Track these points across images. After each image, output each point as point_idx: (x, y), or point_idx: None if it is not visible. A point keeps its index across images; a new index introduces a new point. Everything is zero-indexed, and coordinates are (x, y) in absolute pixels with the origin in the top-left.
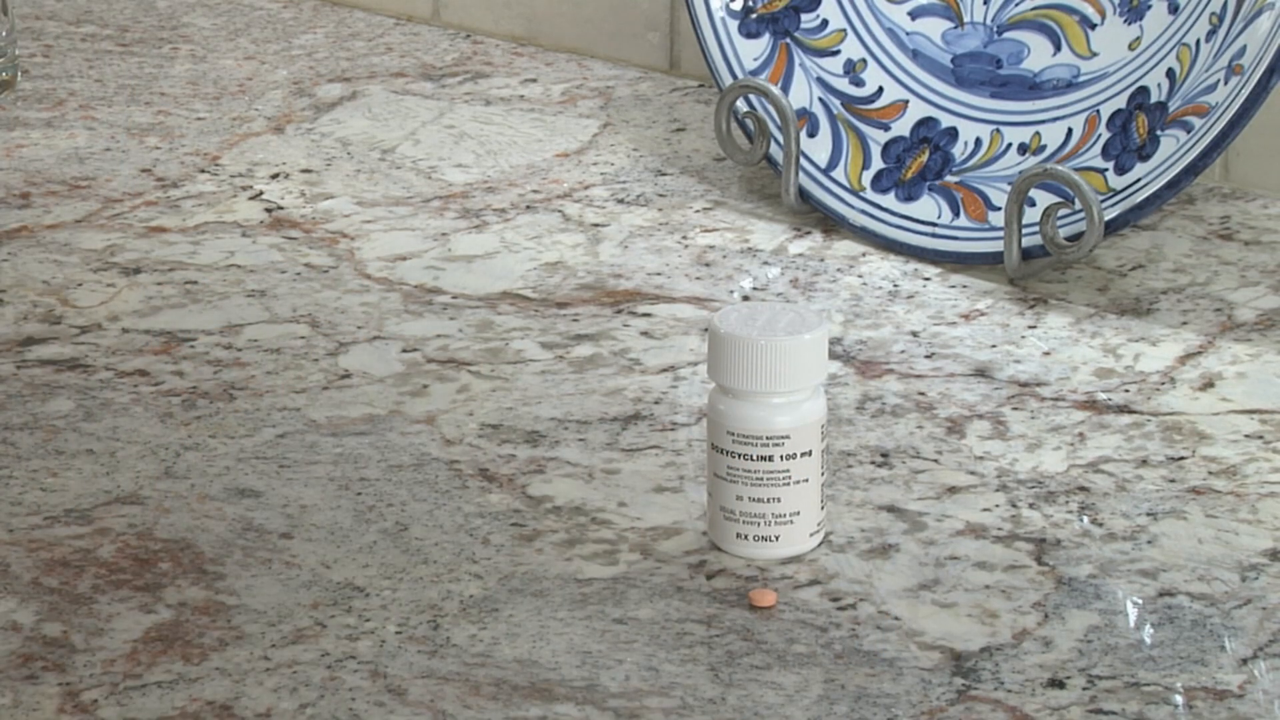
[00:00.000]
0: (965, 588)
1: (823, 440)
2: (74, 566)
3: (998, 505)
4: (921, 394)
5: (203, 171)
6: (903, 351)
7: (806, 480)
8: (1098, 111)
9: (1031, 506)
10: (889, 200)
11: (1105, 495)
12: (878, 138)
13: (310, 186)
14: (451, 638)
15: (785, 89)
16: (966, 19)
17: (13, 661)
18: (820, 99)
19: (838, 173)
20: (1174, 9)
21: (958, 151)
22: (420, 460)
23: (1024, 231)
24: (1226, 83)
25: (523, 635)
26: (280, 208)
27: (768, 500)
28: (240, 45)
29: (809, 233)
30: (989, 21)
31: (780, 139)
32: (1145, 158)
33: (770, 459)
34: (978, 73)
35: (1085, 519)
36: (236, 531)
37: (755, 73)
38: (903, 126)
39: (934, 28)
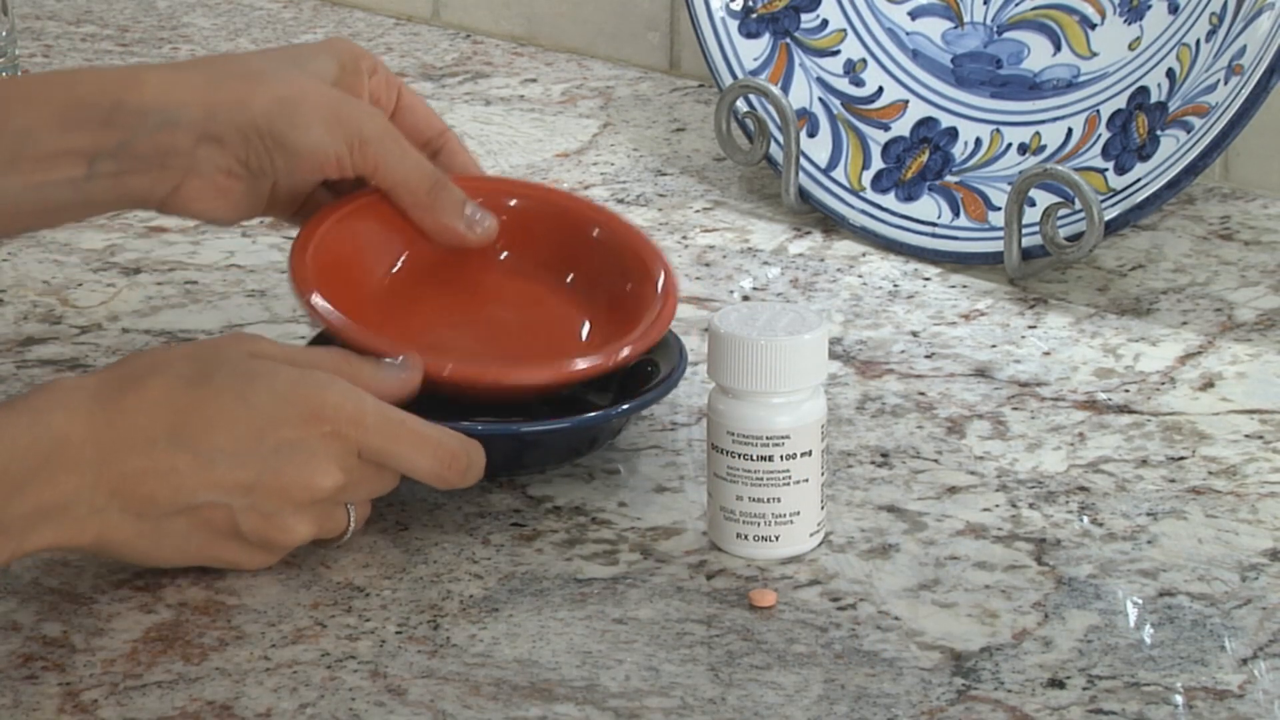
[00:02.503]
0: (965, 588)
1: (823, 440)
2: (74, 566)
3: (998, 505)
4: (921, 394)
5: None
6: (903, 351)
7: (806, 480)
8: (1098, 111)
9: (1031, 506)
10: (889, 200)
11: (1105, 495)
12: (878, 138)
13: None
14: (451, 638)
15: (785, 89)
16: (966, 19)
17: (13, 661)
18: (820, 99)
19: (838, 173)
20: (1174, 9)
21: (958, 151)
22: None
23: (1024, 231)
24: (1226, 83)
25: (523, 635)
26: None
27: (768, 500)
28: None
29: (809, 233)
30: (989, 21)
31: (780, 139)
32: (1145, 158)
33: (770, 459)
34: (978, 73)
35: (1085, 519)
36: None
37: (755, 73)
38: (903, 126)
39: (934, 28)
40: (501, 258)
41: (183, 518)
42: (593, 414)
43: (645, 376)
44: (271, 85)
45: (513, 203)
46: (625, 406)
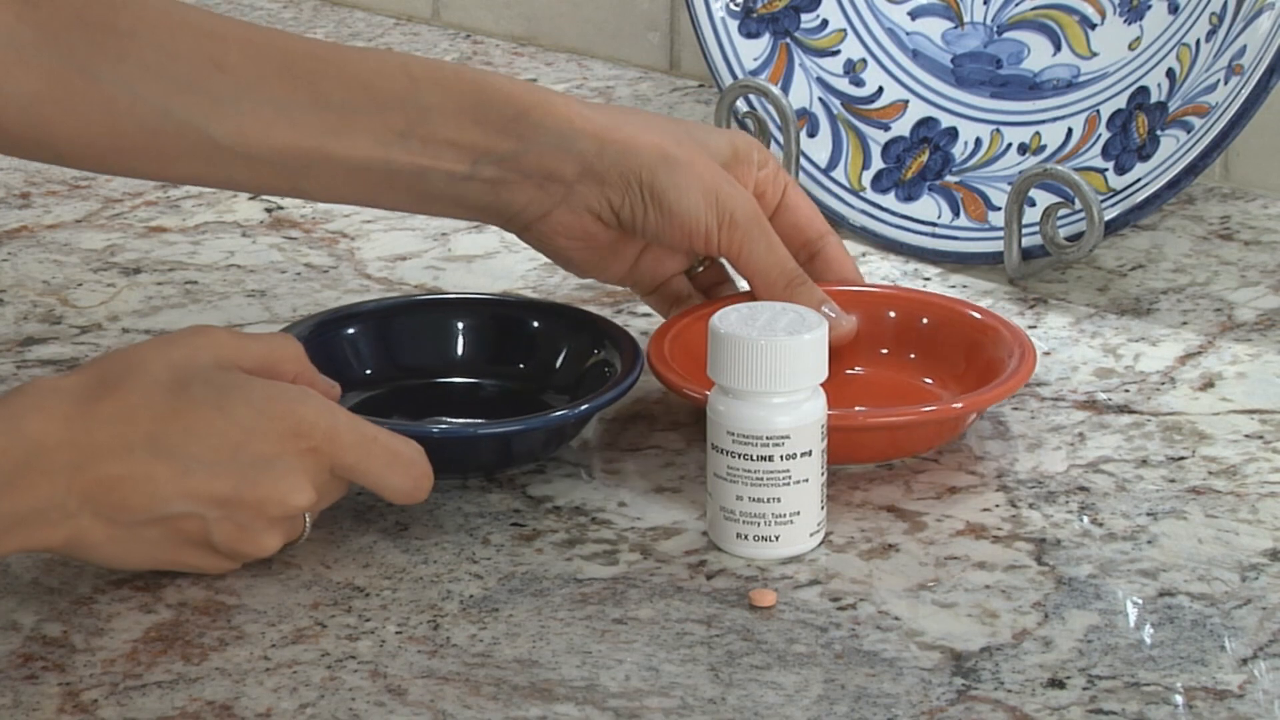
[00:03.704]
0: (965, 588)
1: (823, 440)
2: (74, 566)
3: (998, 505)
4: None
5: None
6: None
7: (806, 480)
8: (1098, 111)
9: (1031, 506)
10: (889, 200)
11: (1105, 495)
12: (878, 138)
13: None
14: (451, 638)
15: (785, 89)
16: (966, 19)
17: (13, 661)
18: (820, 99)
19: (838, 173)
20: (1174, 9)
21: (958, 151)
22: None
23: (1024, 231)
24: (1226, 83)
25: (523, 635)
26: (280, 208)
27: (768, 500)
28: None
29: None
30: (989, 21)
31: (780, 139)
32: (1145, 158)
33: (770, 459)
34: (978, 73)
35: (1085, 519)
36: None
37: (755, 73)
38: (903, 126)
39: (934, 28)
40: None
41: (156, 526)
42: (547, 415)
43: (602, 378)
44: (664, 143)
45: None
46: (583, 408)
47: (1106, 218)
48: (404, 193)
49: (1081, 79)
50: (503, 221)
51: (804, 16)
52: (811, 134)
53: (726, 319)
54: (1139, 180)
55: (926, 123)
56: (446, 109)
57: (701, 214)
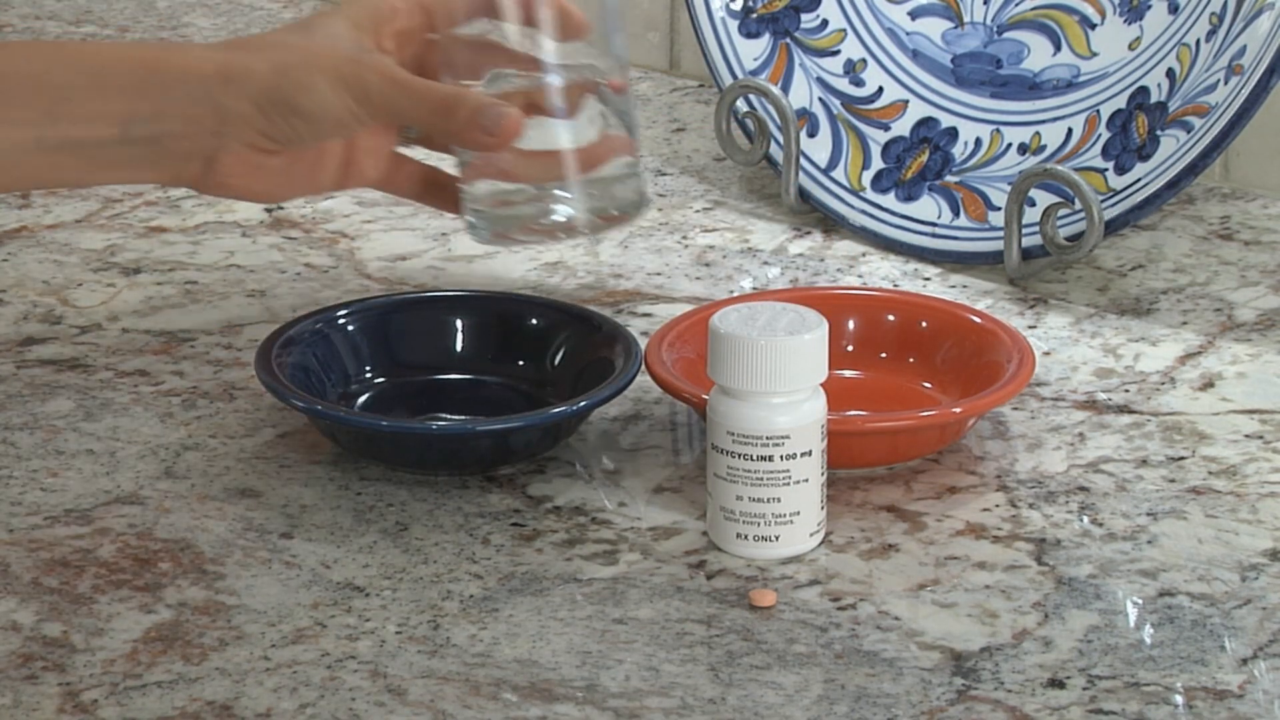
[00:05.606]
0: (965, 588)
1: (823, 440)
2: (74, 566)
3: (998, 505)
4: None
5: None
6: None
7: (806, 480)
8: (1098, 111)
9: (1031, 506)
10: (889, 200)
11: (1105, 495)
12: (878, 138)
13: None
14: (451, 638)
15: (785, 89)
16: (966, 19)
17: (13, 661)
18: (820, 99)
19: (838, 173)
20: (1174, 9)
21: (958, 151)
22: None
23: (1024, 231)
24: (1226, 83)
25: (523, 635)
26: (280, 207)
27: (768, 500)
28: None
29: (809, 233)
30: (989, 21)
31: (780, 139)
32: (1145, 158)
33: (770, 459)
34: (978, 73)
35: (1085, 519)
36: (236, 531)
37: (755, 73)
38: (903, 126)
39: (934, 28)
40: (849, 350)
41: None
42: (544, 412)
43: (600, 375)
44: (278, 54)
45: (851, 324)
46: (580, 404)
47: (1106, 218)
48: (69, 168)
49: (1081, 79)
50: (175, 178)
51: (804, 16)
52: (811, 134)
53: (726, 319)
54: (1139, 180)
55: (926, 123)
56: (78, 84)
57: (335, 103)
